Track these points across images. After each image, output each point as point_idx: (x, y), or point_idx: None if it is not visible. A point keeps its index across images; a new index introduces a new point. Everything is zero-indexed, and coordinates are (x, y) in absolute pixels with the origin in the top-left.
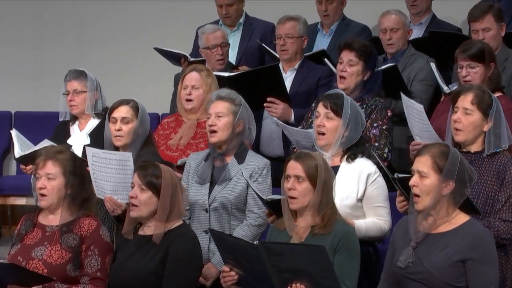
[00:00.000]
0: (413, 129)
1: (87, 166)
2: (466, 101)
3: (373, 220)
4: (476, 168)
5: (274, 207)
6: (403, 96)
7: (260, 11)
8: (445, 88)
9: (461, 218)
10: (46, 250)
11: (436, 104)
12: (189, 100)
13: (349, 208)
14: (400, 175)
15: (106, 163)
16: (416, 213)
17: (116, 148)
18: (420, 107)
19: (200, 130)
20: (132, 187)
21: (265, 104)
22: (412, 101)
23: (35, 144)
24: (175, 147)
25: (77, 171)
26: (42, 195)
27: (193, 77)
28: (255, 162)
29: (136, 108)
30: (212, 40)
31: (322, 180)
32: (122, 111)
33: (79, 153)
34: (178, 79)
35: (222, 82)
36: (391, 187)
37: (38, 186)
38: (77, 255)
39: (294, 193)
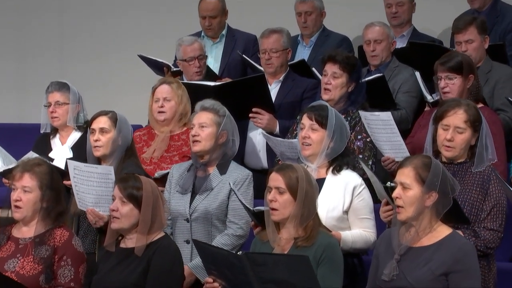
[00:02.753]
0: (379, 144)
1: (65, 179)
2: (458, 119)
3: (359, 231)
4: (460, 179)
5: (260, 218)
6: (361, 112)
7: (242, 23)
8: (429, 97)
9: (443, 230)
10: (19, 262)
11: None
12: (161, 112)
13: (335, 220)
14: (392, 184)
15: (88, 176)
16: (399, 225)
17: (98, 160)
18: (386, 115)
19: (173, 143)
20: (113, 200)
21: (250, 115)
22: (375, 113)
23: (17, 156)
24: (148, 160)
25: (53, 185)
26: (17, 207)
27: (164, 90)
28: (237, 173)
29: (114, 119)
30: (189, 52)
31: (303, 192)
32: (101, 122)
33: (61, 166)
34: None
35: (207, 91)
36: (375, 199)
37: (13, 198)
38: (50, 266)
39: (275, 204)
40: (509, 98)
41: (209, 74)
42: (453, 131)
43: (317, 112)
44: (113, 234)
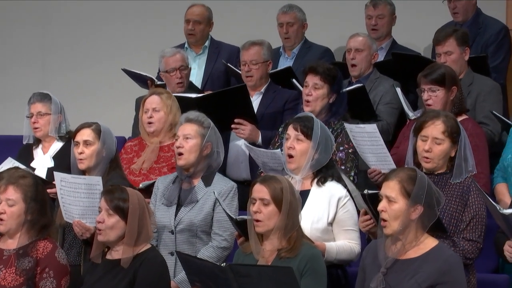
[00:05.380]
0: (366, 156)
1: (47, 188)
2: (436, 130)
3: (344, 242)
4: (440, 189)
5: (243, 228)
6: (346, 125)
7: (225, 35)
8: (411, 114)
9: (429, 242)
10: (1, 273)
11: (402, 127)
12: (150, 123)
13: (320, 232)
14: (370, 192)
15: (75, 187)
16: (384, 237)
17: (83, 172)
18: (371, 128)
19: (163, 154)
20: (100, 212)
21: (232, 126)
22: (360, 125)
23: None
24: (138, 171)
25: (38, 197)
26: (1, 219)
27: (153, 100)
28: (222, 185)
29: (98, 130)
30: (171, 63)
31: (287, 203)
32: (84, 134)
33: (42, 176)
34: (139, 103)
35: (190, 103)
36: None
37: None
38: (31, 278)
39: (259, 216)
40: (494, 112)
41: (192, 88)
42: (431, 142)
43: (302, 123)
44: (99, 245)
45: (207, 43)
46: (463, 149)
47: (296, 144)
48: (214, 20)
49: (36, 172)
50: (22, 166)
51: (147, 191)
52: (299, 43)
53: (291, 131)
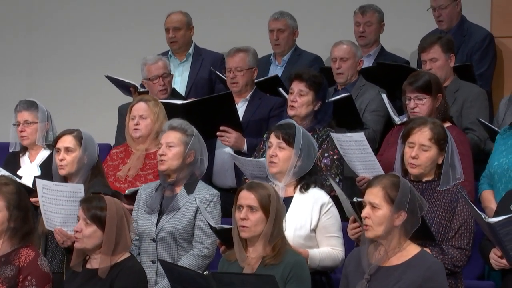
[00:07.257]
0: (354, 164)
1: (32, 197)
2: (423, 137)
3: (327, 249)
4: (428, 197)
5: (223, 236)
6: (333, 134)
7: (209, 42)
8: (397, 119)
9: (412, 249)
10: None
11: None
12: (137, 129)
13: (303, 239)
14: (359, 199)
15: (57, 195)
16: (368, 244)
17: (65, 179)
18: (359, 136)
19: (149, 161)
20: (78, 220)
21: (217, 133)
22: (348, 134)
23: None
24: (123, 178)
25: (21, 205)
26: None
27: (140, 107)
28: (204, 193)
29: (79, 137)
30: (153, 71)
31: (274, 210)
32: (66, 141)
33: (29, 184)
34: (121, 111)
35: (175, 110)
36: (343, 217)
37: None
38: (14, 286)
39: (246, 223)
40: (481, 120)
41: (175, 95)
42: (418, 149)
43: (284, 130)
44: (79, 254)
45: (190, 50)
46: (450, 156)
47: (278, 152)
48: (199, 28)
49: (23, 181)
50: (7, 174)
51: (133, 197)
52: (289, 50)
53: (273, 139)
